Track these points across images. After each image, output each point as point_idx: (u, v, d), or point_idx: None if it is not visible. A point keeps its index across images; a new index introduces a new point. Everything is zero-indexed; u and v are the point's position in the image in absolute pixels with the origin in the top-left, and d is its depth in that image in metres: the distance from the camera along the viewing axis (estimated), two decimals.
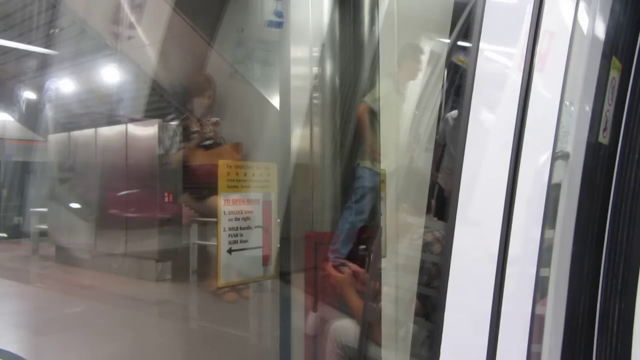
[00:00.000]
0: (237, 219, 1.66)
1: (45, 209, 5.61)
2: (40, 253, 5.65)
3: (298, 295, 2.07)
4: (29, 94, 6.30)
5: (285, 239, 2.14)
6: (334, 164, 2.53)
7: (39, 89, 5.88)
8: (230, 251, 1.63)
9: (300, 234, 2.12)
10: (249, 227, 1.70)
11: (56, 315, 3.43)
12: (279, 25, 4.34)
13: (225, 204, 1.61)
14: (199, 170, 3.93)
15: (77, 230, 5.03)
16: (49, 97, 5.69)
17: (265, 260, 1.78)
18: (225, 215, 1.61)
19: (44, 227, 5.64)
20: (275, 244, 1.86)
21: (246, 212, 1.71)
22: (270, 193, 1.84)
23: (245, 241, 1.70)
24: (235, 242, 1.65)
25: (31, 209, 6.01)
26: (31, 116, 6.22)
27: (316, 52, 2.74)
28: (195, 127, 4.04)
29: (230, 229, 1.62)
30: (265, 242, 1.76)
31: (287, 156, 2.26)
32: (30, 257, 5.68)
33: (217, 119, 4.10)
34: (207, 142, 4.02)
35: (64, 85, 5.48)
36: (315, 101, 2.56)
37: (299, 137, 2.46)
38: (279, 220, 1.97)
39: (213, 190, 3.77)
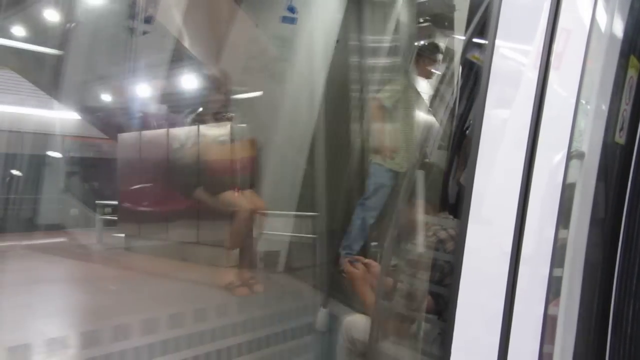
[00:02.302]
0: None
1: (115, 202, 6.02)
2: (106, 242, 5.97)
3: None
4: (106, 97, 6.80)
5: None
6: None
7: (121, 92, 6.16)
8: None
9: None
10: None
11: (139, 297, 3.74)
12: (293, 21, 4.36)
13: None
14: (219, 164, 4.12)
15: (149, 220, 5.39)
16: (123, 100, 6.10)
17: None
18: None
19: (114, 218, 6.04)
20: None
21: None
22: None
23: None
24: None
25: (97, 201, 6.40)
26: (103, 117, 6.79)
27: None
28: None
29: None
30: None
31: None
32: (97, 245, 6.01)
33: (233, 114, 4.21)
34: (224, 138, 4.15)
35: (141, 90, 5.92)
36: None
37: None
38: None
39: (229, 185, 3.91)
